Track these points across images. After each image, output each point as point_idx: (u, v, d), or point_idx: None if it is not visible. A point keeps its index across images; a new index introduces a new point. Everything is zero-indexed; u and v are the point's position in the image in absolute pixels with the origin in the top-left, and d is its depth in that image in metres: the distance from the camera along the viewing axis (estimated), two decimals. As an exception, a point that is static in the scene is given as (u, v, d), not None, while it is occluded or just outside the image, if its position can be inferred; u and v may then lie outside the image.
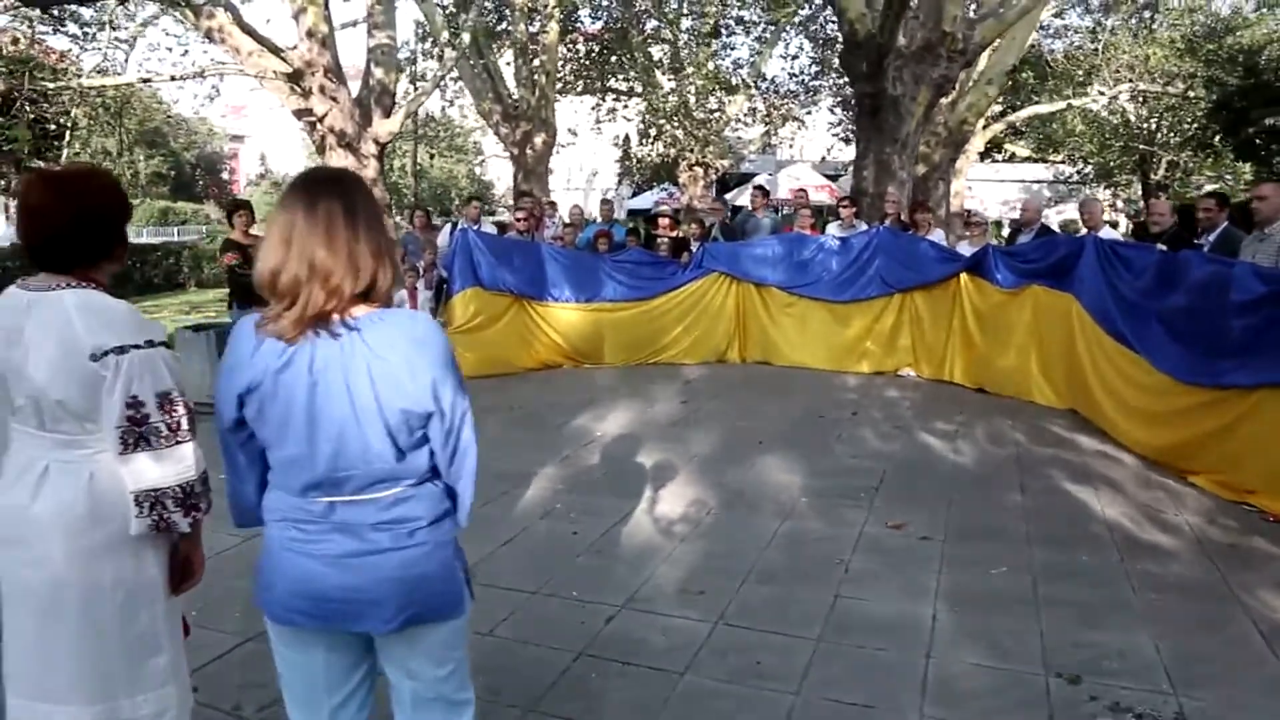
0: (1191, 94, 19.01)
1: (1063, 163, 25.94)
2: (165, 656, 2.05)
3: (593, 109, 22.08)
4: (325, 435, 1.60)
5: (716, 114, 21.18)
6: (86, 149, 15.15)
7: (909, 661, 3.17)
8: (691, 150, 20.62)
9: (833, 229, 8.98)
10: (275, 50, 11.05)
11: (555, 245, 8.92)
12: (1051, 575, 3.91)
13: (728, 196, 24.11)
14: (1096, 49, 19.74)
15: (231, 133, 40.89)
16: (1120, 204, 28.32)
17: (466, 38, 11.97)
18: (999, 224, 23.00)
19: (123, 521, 1.92)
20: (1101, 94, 19.74)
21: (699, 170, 21.16)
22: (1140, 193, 26.06)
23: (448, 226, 8.67)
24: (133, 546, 1.96)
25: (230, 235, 6.97)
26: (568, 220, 10.13)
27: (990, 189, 28.70)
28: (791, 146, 27.48)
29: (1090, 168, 26.00)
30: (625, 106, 23.16)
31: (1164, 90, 19.77)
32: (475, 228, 8.47)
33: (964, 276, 7.84)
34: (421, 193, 29.83)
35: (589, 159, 32.48)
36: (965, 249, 8.11)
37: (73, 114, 12.40)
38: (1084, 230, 7.83)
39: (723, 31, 21.12)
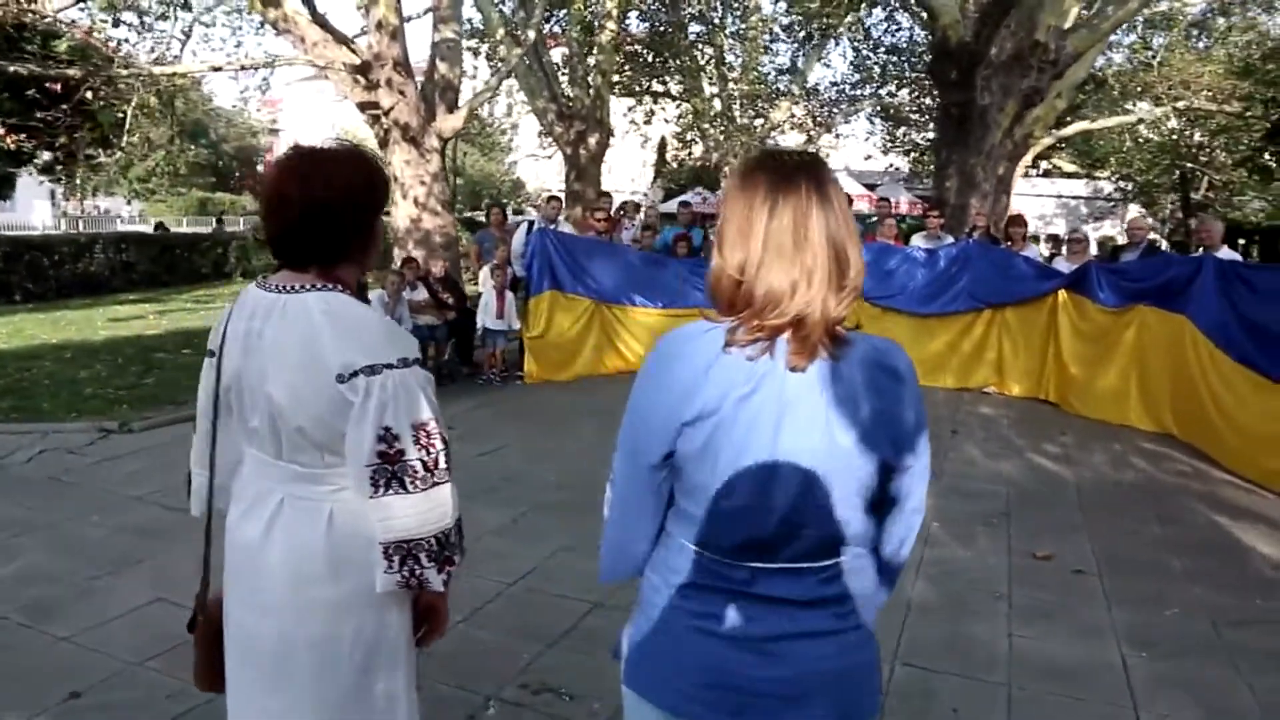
0: (1249, 114, 18.71)
1: (1108, 179, 25.57)
2: None
3: (628, 110, 21.81)
4: (785, 483, 1.27)
5: (760, 120, 21.03)
6: (138, 137, 14.95)
7: (1118, 715, 2.95)
8: (735, 155, 20.44)
9: (918, 240, 8.76)
10: (344, 41, 10.88)
11: (633, 248, 8.72)
12: (1230, 620, 3.68)
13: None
14: (1150, 64, 19.42)
15: (267, 126, 40.98)
16: (1152, 222, 27.94)
17: (532, 34, 11.80)
18: (1035, 238, 22.71)
19: (366, 573, 1.60)
20: (1163, 109, 19.37)
21: (741, 176, 20.94)
22: (1178, 211, 25.77)
23: (523, 225, 8.44)
24: (377, 601, 1.65)
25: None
26: (644, 223, 9.90)
27: (1028, 203, 28.39)
28: (828, 155, 27.23)
29: (1133, 185, 25.67)
30: (663, 109, 23.02)
31: (1219, 109, 19.46)
32: (553, 228, 8.27)
33: (1062, 294, 7.60)
34: (458, 189, 29.69)
35: (620, 161, 32.37)
36: (1063, 265, 7.87)
37: (133, 102, 12.23)
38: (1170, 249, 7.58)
39: (775, 38, 20.97)
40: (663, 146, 30.64)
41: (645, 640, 1.42)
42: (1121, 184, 25.62)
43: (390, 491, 1.56)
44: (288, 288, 1.64)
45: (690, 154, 26.52)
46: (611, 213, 9.06)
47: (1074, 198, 27.90)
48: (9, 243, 14.78)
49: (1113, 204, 26.59)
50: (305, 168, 1.63)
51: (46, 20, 10.18)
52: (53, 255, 14.96)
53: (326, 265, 1.67)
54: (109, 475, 5.26)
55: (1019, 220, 8.40)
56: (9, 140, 11.93)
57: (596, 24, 14.93)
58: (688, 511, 1.36)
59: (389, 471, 1.55)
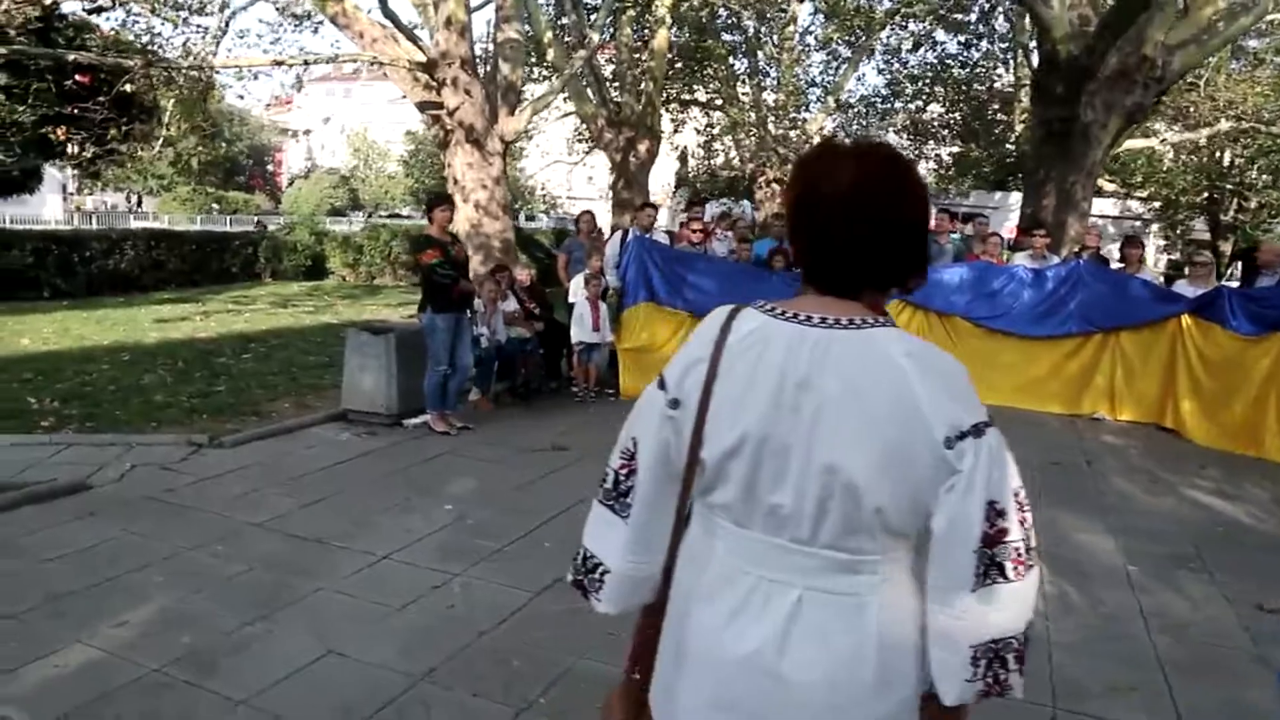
0: (1295, 136, 18.52)
1: (1142, 200, 25.34)
2: None
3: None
4: None
5: (796, 131, 20.73)
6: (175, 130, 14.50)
7: None
8: (771, 165, 20.11)
9: (1021, 258, 8.38)
10: (411, 37, 10.48)
11: (730, 260, 8.31)
12: None
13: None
14: (1195, 84, 19.18)
15: (280, 126, 40.56)
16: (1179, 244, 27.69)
17: (596, 37, 11.42)
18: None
19: (913, 684, 1.28)
20: (1208, 131, 19.15)
21: (775, 186, 20.65)
22: (1195, 233, 25.51)
23: (618, 234, 8.04)
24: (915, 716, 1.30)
25: (428, 231, 6.28)
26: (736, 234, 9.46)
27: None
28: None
29: (1160, 205, 25.40)
30: (694, 118, 22.75)
31: (1266, 130, 19.24)
32: (648, 237, 7.86)
33: (1186, 319, 7.24)
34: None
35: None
36: (1185, 288, 7.50)
37: (174, 96, 11.80)
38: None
39: (807, 49, 20.77)
40: (684, 155, 30.40)
41: None
42: (1153, 204, 25.38)
43: (988, 581, 1.21)
44: (841, 322, 1.25)
45: (713, 163, 26.31)
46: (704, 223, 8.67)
47: (1102, 216, 27.61)
48: (39, 238, 14.30)
49: (1143, 224, 26.34)
50: (887, 171, 1.28)
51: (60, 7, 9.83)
52: (83, 251, 14.48)
53: (879, 291, 1.30)
54: (215, 497, 4.83)
55: (1135, 241, 8.03)
56: (57, 132, 11.45)
57: (650, 29, 14.58)
58: None
59: (989, 556, 1.21)
